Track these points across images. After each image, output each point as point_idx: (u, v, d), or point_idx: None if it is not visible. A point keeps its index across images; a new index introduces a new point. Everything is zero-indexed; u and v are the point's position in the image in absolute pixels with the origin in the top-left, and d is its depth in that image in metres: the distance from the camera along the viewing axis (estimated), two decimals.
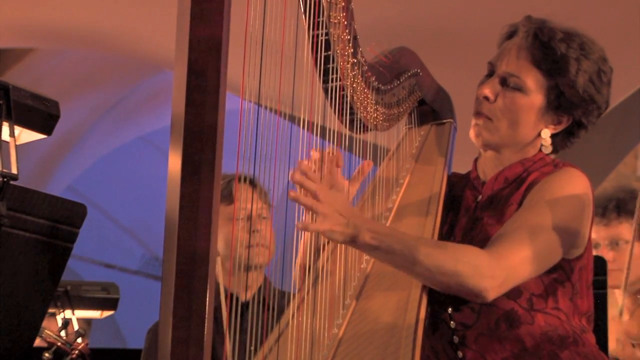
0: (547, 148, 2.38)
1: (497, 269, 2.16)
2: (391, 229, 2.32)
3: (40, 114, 2.38)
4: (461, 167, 2.55)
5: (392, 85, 2.45)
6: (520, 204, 2.30)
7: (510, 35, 2.41)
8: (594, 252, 3.56)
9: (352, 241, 2.15)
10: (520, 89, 2.34)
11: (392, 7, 5.65)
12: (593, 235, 3.55)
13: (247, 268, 3.19)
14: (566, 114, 2.37)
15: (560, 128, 2.39)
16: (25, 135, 2.40)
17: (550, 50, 2.32)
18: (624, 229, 3.62)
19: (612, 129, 6.69)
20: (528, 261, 2.20)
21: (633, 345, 3.16)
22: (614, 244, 3.61)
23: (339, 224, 2.13)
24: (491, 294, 2.18)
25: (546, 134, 2.38)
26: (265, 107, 2.01)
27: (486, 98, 2.35)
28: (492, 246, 2.20)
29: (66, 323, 3.48)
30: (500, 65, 2.36)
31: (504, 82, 2.35)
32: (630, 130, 6.79)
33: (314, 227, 2.13)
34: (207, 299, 1.74)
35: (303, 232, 2.40)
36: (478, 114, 2.37)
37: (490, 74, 2.38)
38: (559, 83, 2.33)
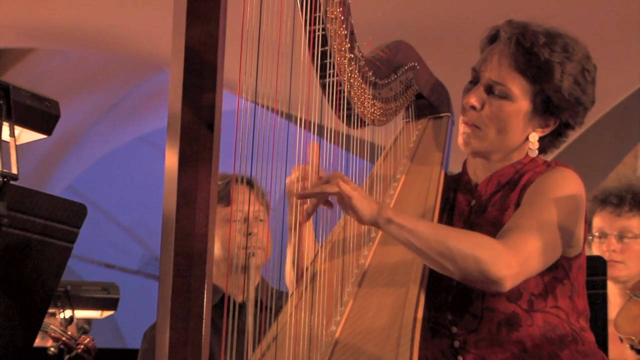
0: (534, 152, 2.39)
1: (513, 258, 2.16)
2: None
3: (40, 114, 2.37)
4: (460, 163, 2.54)
5: (389, 80, 2.45)
6: (517, 205, 2.31)
7: (492, 39, 2.41)
8: (602, 242, 3.59)
9: (377, 217, 2.15)
10: (506, 96, 2.34)
11: (389, 1, 5.65)
12: (603, 224, 3.57)
13: (243, 269, 3.19)
14: (553, 117, 2.37)
15: (548, 131, 2.39)
16: (25, 135, 2.40)
17: (533, 56, 2.32)
18: (634, 223, 3.62)
19: (612, 129, 6.69)
20: (538, 254, 2.20)
21: (621, 340, 3.16)
22: (622, 236, 3.61)
23: (365, 198, 2.15)
24: (509, 283, 2.17)
25: (534, 137, 2.38)
26: (262, 106, 2.01)
27: (473, 107, 2.36)
28: (503, 237, 2.20)
29: (70, 319, 3.48)
30: (484, 72, 2.36)
31: (489, 90, 2.35)
32: (630, 130, 6.79)
33: (348, 192, 2.13)
34: (205, 300, 1.73)
35: (292, 237, 2.40)
36: (465, 122, 2.38)
37: (475, 81, 2.39)
38: (545, 88, 2.33)
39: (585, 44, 2.37)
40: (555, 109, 2.35)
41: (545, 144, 2.41)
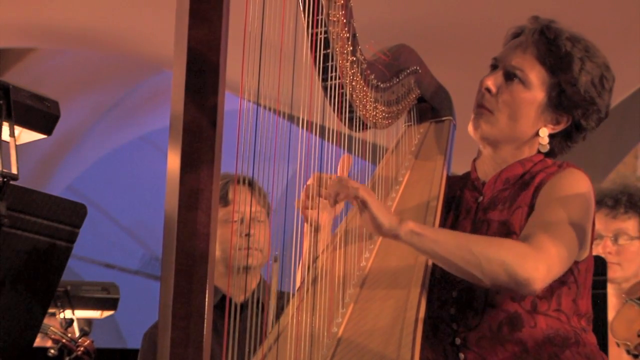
0: (544, 147, 2.38)
1: (540, 260, 2.14)
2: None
3: (40, 114, 2.38)
4: (461, 166, 2.55)
5: (391, 83, 2.45)
6: (530, 206, 2.31)
7: (517, 35, 2.42)
8: (597, 244, 3.59)
9: (398, 228, 2.13)
10: (523, 82, 2.35)
11: (392, 5, 5.65)
12: (598, 226, 3.58)
13: (240, 270, 3.19)
14: (566, 114, 2.37)
15: (558, 128, 2.39)
16: (25, 135, 2.41)
17: (555, 47, 2.34)
18: (630, 225, 3.63)
19: (612, 129, 6.69)
20: (562, 255, 2.20)
21: (618, 345, 3.17)
22: (617, 238, 3.61)
23: (385, 209, 2.14)
24: (539, 285, 2.15)
25: (544, 132, 2.38)
26: (265, 107, 2.01)
27: (488, 90, 2.36)
28: (527, 240, 2.19)
29: (70, 322, 3.49)
30: (504, 59, 2.38)
31: (507, 76, 2.37)
32: (630, 130, 6.80)
33: (373, 202, 2.11)
34: (207, 299, 1.73)
35: (304, 235, 2.41)
36: (479, 106, 2.38)
37: (495, 69, 2.40)
38: (562, 80, 2.34)
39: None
40: (569, 105, 2.35)
41: (555, 146, 2.41)
